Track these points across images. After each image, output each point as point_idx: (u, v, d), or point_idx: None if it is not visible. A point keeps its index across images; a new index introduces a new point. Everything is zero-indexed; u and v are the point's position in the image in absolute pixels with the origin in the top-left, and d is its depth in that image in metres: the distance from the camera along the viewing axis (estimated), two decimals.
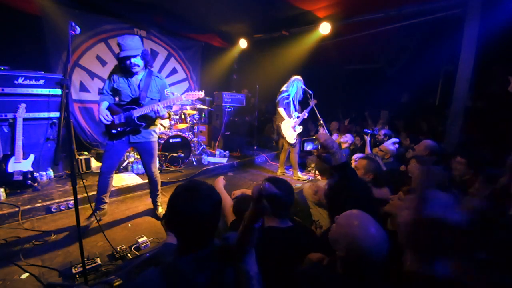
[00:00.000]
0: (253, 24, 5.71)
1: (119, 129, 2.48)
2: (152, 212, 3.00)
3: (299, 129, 4.33)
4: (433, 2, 3.84)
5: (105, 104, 2.48)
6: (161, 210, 2.97)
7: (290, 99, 4.24)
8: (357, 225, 1.03)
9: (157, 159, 2.93)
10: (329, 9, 4.57)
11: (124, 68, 2.41)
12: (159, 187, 2.94)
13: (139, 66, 2.39)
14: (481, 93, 4.37)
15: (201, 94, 2.66)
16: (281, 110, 4.23)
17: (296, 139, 4.33)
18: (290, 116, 4.26)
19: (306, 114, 4.27)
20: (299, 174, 4.52)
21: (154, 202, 2.98)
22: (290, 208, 1.53)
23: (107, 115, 2.41)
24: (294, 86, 4.22)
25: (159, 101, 2.54)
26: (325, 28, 4.83)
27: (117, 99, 2.58)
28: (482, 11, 3.42)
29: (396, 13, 4.21)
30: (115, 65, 2.52)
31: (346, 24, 4.79)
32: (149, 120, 2.60)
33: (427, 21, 4.19)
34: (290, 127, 4.24)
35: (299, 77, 4.27)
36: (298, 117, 4.31)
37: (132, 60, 2.33)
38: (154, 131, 2.71)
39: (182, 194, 1.00)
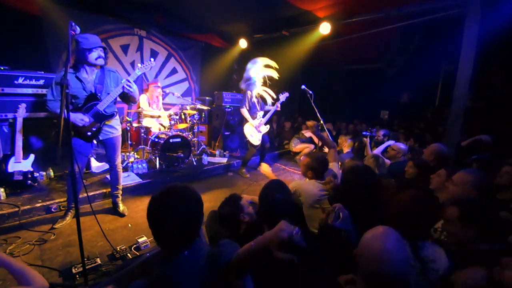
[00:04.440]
0: (253, 24, 5.70)
1: (93, 128, 2.41)
2: (114, 210, 2.94)
3: (265, 128, 4.28)
4: (433, 2, 3.85)
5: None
6: (123, 208, 2.93)
7: (254, 98, 4.16)
8: (377, 240, 0.99)
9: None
10: (329, 9, 4.57)
11: (79, 65, 2.26)
12: (121, 181, 2.92)
13: (103, 58, 2.28)
14: (481, 93, 4.36)
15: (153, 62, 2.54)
16: (243, 111, 4.16)
17: (260, 140, 4.29)
18: (254, 116, 4.21)
19: (273, 111, 4.20)
20: (244, 170, 4.56)
21: (115, 198, 2.91)
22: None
23: (82, 119, 2.29)
24: (255, 84, 4.14)
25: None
26: (325, 28, 4.82)
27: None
28: (482, 11, 3.42)
29: (396, 13, 4.21)
30: (63, 69, 2.06)
31: (346, 24, 4.79)
32: (114, 110, 2.57)
33: (427, 21, 4.19)
34: (254, 129, 4.19)
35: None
36: (264, 116, 4.25)
37: (100, 51, 2.22)
38: (117, 125, 2.69)
39: (155, 199, 0.98)
